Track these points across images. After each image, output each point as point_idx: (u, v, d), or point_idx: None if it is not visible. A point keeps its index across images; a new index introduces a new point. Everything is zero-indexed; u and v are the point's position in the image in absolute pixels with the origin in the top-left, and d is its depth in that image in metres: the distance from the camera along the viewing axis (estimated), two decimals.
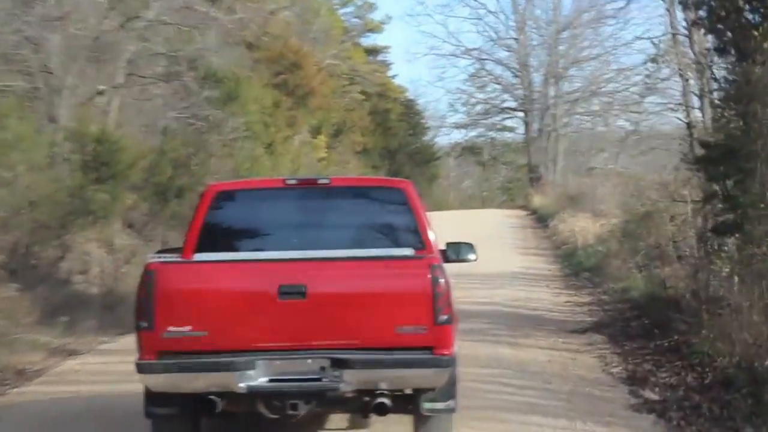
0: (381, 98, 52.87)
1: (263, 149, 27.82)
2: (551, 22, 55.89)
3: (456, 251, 8.64)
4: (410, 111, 59.90)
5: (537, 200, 47.25)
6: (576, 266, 23.54)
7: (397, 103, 55.03)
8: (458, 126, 63.40)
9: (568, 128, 55.39)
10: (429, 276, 6.85)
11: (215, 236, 7.66)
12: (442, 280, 6.88)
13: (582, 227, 26.54)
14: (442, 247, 8.38)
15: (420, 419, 7.43)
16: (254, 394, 6.87)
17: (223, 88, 24.89)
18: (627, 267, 17.87)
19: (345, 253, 7.19)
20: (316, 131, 42.98)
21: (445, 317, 6.84)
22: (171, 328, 6.77)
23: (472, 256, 8.75)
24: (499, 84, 60.72)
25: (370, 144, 53.57)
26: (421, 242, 7.59)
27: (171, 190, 21.64)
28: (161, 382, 6.87)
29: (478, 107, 62.41)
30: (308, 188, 7.99)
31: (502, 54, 59.48)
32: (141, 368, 6.85)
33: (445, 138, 66.02)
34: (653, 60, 23.63)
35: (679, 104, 24.42)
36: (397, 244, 7.62)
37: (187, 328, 6.77)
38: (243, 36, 28.76)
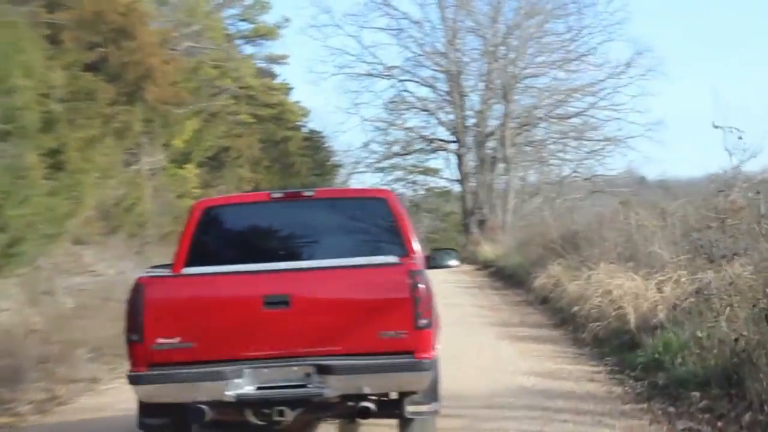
0: (278, 123, 40.54)
1: (40, 158, 15.11)
2: (490, 26, 44.20)
3: (439, 257, 8.89)
4: (315, 144, 47.62)
5: (488, 250, 35.02)
6: (649, 369, 11.38)
7: (298, 131, 42.67)
8: (376, 166, 51.15)
9: (520, 156, 43.42)
10: (408, 281, 6.96)
11: (204, 250, 7.83)
12: (422, 286, 6.98)
13: (628, 290, 14.29)
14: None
15: (404, 422, 7.47)
16: (242, 402, 7.00)
17: None
18: None
19: (327, 263, 7.36)
20: (183, 158, 30.43)
21: (425, 321, 6.95)
22: (160, 340, 6.91)
23: (454, 262, 8.98)
24: (426, 110, 48.70)
25: (264, 182, 40.97)
26: (404, 250, 7.73)
27: None
28: (152, 392, 7.03)
29: (396, 147, 50.09)
30: (293, 201, 8.03)
31: (428, 73, 47.67)
32: (132, 380, 7.02)
33: (360, 180, 53.47)
34: None
35: None
36: (382, 252, 7.65)
37: (176, 339, 6.92)
38: None
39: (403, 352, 6.92)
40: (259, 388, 6.97)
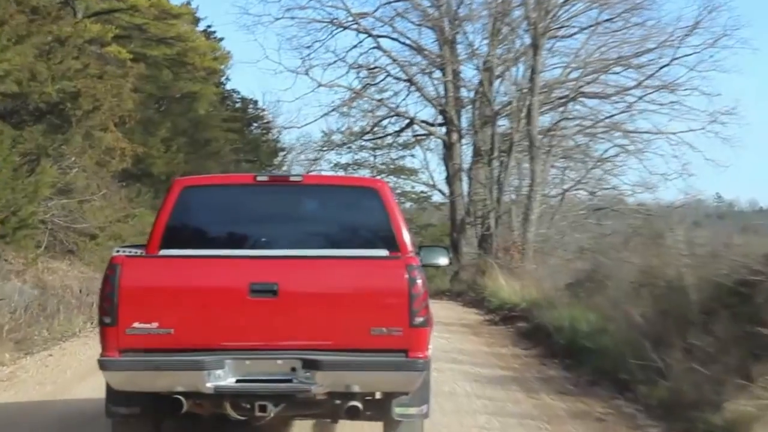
0: (177, 70, 26.04)
1: None
2: None
3: (428, 254, 8.12)
4: (245, 116, 33.21)
5: (504, 286, 20.92)
6: None
7: (212, 85, 27.99)
8: (330, 151, 37.20)
9: (555, 139, 28.74)
10: (406, 276, 6.66)
11: (182, 232, 7.41)
12: (419, 281, 6.68)
13: None
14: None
15: (391, 424, 7.27)
16: (222, 394, 6.73)
17: None
18: None
19: (318, 252, 7.05)
20: None
21: (421, 319, 6.66)
22: (136, 324, 6.59)
23: (443, 260, 8.29)
24: (405, 80, 34.44)
25: (156, 162, 26.50)
26: (395, 243, 7.37)
27: None
28: (124, 380, 6.72)
29: (361, 123, 36.16)
30: (279, 185, 7.71)
31: (410, 26, 33.49)
32: (103, 365, 6.65)
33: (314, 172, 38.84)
34: None
35: None
36: (371, 245, 7.35)
37: (153, 324, 6.60)
38: None
39: (396, 350, 6.61)
40: (240, 381, 6.65)
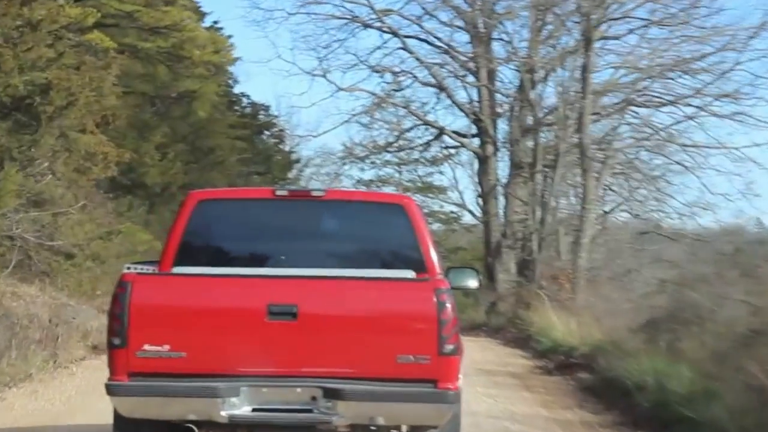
0: (173, 66, 22.55)
1: None
2: None
3: (457, 276, 7.79)
4: (255, 123, 29.69)
5: (557, 323, 17.25)
6: None
7: (212, 84, 24.43)
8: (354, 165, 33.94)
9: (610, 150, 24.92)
10: (434, 300, 6.33)
11: (196, 249, 7.17)
12: (448, 306, 6.36)
13: None
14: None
15: None
16: (237, 424, 6.43)
17: None
18: None
19: (342, 272, 6.74)
20: None
21: (451, 347, 6.32)
22: (147, 347, 6.31)
23: (473, 283, 7.96)
24: (434, 85, 30.95)
25: (155, 176, 23.01)
26: (423, 264, 7.02)
27: None
28: (133, 406, 6.42)
29: (386, 135, 32.92)
30: (300, 200, 7.34)
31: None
32: (111, 390, 6.39)
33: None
34: None
35: None
36: (397, 266, 7.05)
37: (165, 347, 6.33)
38: None
39: (424, 380, 6.27)
40: (256, 410, 6.36)
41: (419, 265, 6.97)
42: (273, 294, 6.33)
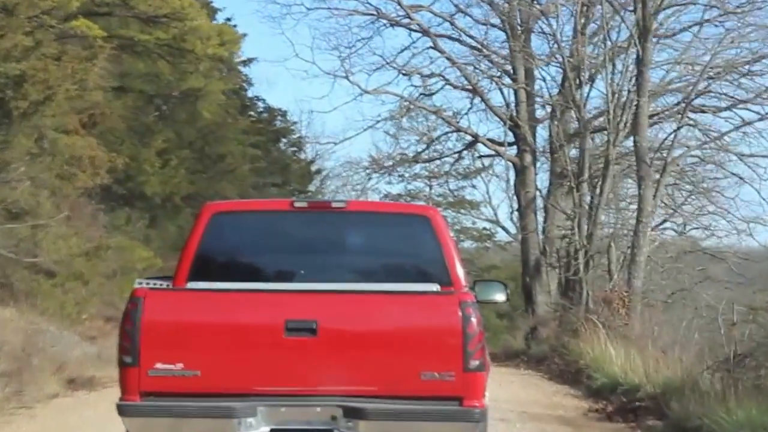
0: (175, 61, 20.03)
1: None
2: None
3: (483, 290, 7.62)
4: (271, 129, 27.16)
5: (614, 356, 14.44)
6: None
7: (220, 82, 21.84)
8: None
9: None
10: (459, 314, 6.13)
11: (212, 263, 6.96)
12: (474, 320, 6.15)
13: None
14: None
15: None
16: None
17: None
18: None
19: (362, 287, 6.60)
20: None
21: (476, 363, 6.13)
22: (159, 365, 6.16)
23: (500, 297, 7.74)
24: (467, 89, 28.41)
25: (156, 185, 20.58)
26: (448, 277, 6.81)
27: None
28: (145, 427, 6.26)
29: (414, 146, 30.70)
30: (320, 212, 7.20)
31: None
32: (123, 410, 6.21)
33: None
34: None
35: None
36: (421, 279, 6.84)
37: (178, 365, 6.17)
38: None
39: (449, 397, 6.09)
40: (274, 431, 6.19)
41: (444, 278, 6.80)
42: (291, 309, 6.18)
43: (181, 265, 6.83)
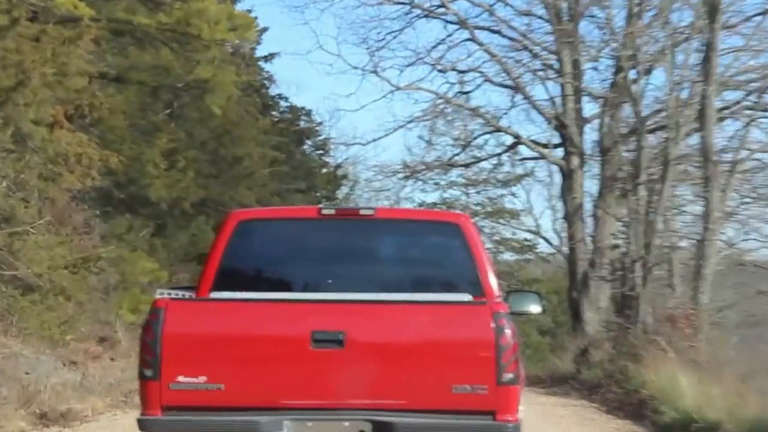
0: (179, 49, 17.82)
1: None
2: None
3: (517, 301, 7.31)
4: (294, 130, 24.91)
5: (686, 386, 11.89)
6: None
7: (230, 72, 19.46)
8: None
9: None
10: (492, 325, 5.98)
11: (237, 272, 6.90)
12: (508, 331, 5.99)
13: None
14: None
15: None
16: None
17: None
18: None
19: (391, 296, 6.46)
20: None
21: (510, 375, 5.97)
22: (181, 379, 6.04)
23: (535, 308, 7.47)
24: (509, 86, 26.05)
25: (161, 190, 18.42)
26: (480, 287, 6.75)
27: None
28: None
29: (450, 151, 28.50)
30: (348, 220, 7.12)
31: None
32: (143, 425, 6.11)
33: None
34: None
35: None
36: (452, 288, 6.82)
37: (201, 379, 6.05)
38: None
39: (482, 411, 5.94)
40: None
41: (476, 287, 6.69)
42: (318, 320, 6.03)
43: (205, 275, 6.78)
